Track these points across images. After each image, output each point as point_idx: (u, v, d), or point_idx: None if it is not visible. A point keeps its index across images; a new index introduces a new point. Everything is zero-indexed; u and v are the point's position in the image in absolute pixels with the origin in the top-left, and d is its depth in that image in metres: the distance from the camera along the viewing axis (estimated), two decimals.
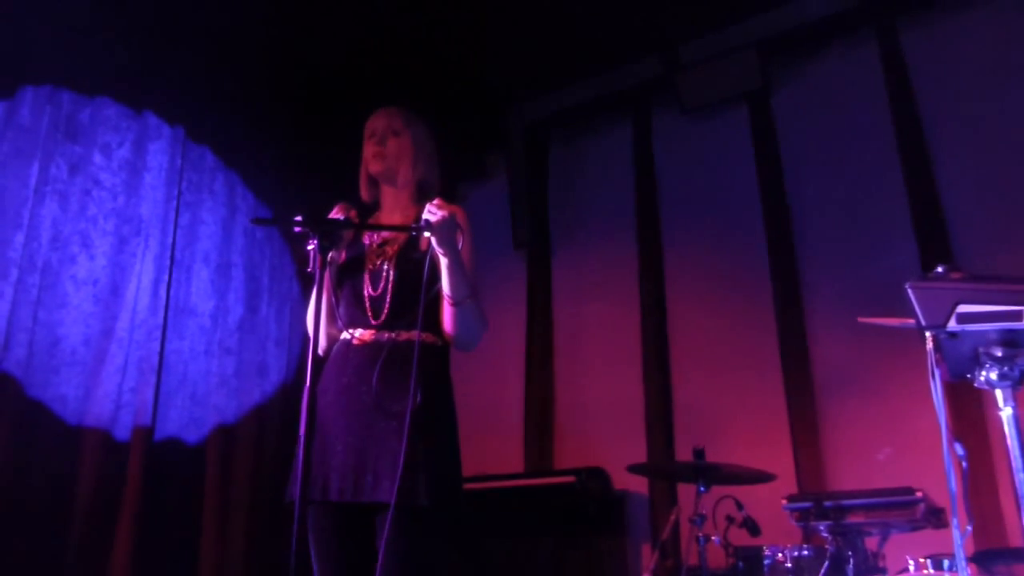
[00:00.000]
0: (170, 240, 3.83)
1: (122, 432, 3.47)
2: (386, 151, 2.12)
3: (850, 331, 3.69)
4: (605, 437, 4.22)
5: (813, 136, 4.11)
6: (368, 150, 2.15)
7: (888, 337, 3.52)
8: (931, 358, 1.31)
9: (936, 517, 2.53)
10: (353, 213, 2.01)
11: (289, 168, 4.48)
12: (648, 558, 3.94)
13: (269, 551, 3.88)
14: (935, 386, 1.28)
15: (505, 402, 4.58)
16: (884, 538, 2.60)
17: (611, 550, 3.94)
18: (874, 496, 2.51)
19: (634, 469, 3.17)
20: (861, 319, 1.77)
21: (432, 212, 1.83)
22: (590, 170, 4.84)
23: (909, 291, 1.29)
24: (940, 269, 1.28)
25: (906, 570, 2.22)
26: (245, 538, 3.79)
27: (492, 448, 4.26)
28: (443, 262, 1.89)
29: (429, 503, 1.77)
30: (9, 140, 3.31)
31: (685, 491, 3.85)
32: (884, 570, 2.59)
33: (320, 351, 2.05)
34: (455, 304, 1.92)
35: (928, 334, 1.28)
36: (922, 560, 2.20)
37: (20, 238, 3.25)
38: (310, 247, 1.71)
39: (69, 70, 3.57)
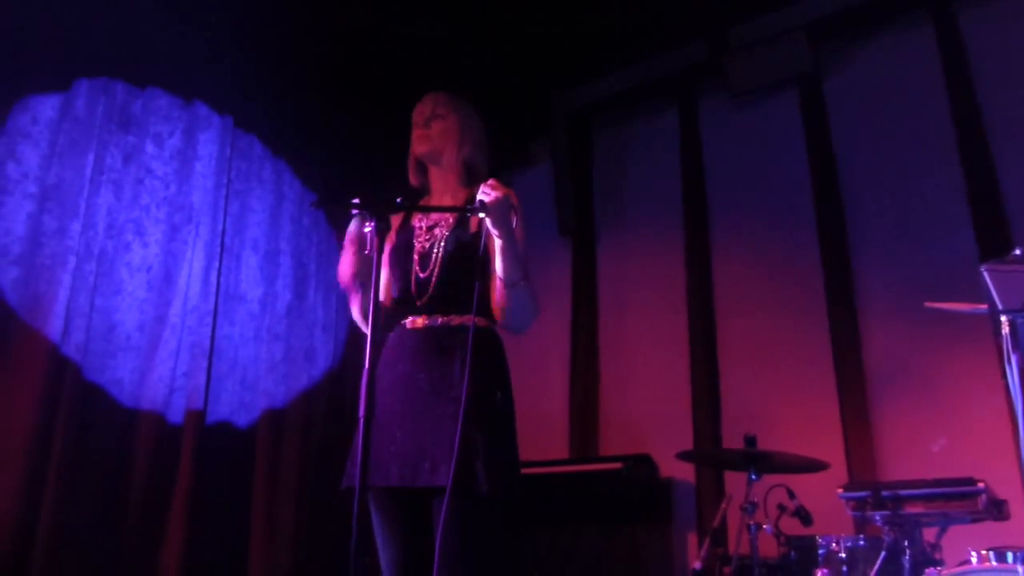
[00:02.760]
0: (220, 228, 3.89)
1: (175, 415, 3.54)
2: (431, 133, 2.12)
3: (904, 319, 3.61)
4: (651, 424, 4.20)
5: (866, 121, 4.01)
6: (415, 133, 2.16)
7: (943, 326, 3.43)
8: (1007, 343, 1.26)
9: (998, 509, 2.46)
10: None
11: (336, 156, 4.52)
12: (694, 546, 3.91)
13: (318, 531, 3.94)
14: (1012, 372, 1.23)
15: (550, 388, 4.58)
16: (943, 530, 2.54)
17: (656, 537, 3.92)
18: (934, 486, 2.45)
19: (684, 456, 3.14)
20: (928, 304, 1.71)
21: (487, 192, 1.80)
22: (636, 156, 4.79)
23: (985, 273, 1.25)
24: (1019, 251, 1.24)
25: (967, 562, 2.16)
26: (294, 518, 3.86)
27: (537, 434, 4.25)
28: (497, 244, 1.87)
29: (487, 489, 1.77)
30: (66, 131, 3.37)
31: (732, 479, 3.82)
32: (941, 562, 2.53)
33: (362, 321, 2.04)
34: (509, 286, 1.91)
35: (1004, 318, 1.24)
36: (984, 552, 2.14)
37: (77, 226, 3.32)
38: (367, 229, 1.70)
39: (121, 62, 3.63)
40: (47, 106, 3.33)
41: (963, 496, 2.42)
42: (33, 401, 3.03)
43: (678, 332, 4.26)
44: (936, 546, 2.56)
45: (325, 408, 4.21)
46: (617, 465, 3.76)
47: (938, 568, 2.09)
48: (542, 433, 4.36)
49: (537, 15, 4.13)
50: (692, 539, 3.94)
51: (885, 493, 2.47)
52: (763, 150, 4.30)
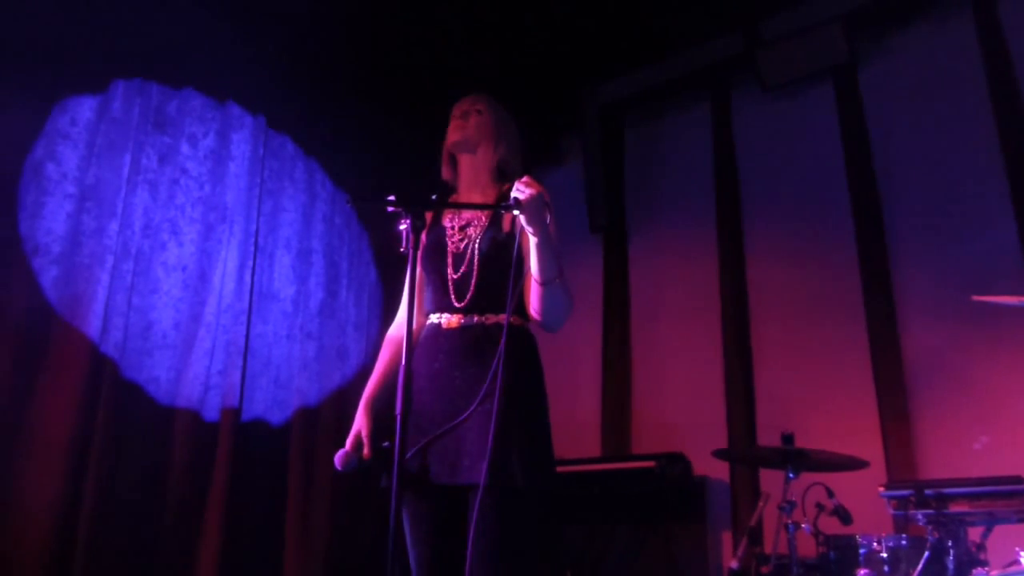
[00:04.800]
0: (254, 227, 3.91)
1: (211, 413, 3.57)
2: (467, 124, 2.14)
3: (944, 314, 3.54)
4: (684, 422, 4.16)
5: (904, 112, 3.93)
6: (450, 125, 2.17)
7: (984, 320, 3.37)
8: None
9: None
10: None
11: (367, 155, 4.53)
12: (728, 545, 3.87)
13: (352, 529, 3.96)
14: None
15: (582, 386, 4.56)
16: (988, 529, 2.48)
17: (690, 536, 3.89)
18: (979, 485, 2.40)
19: (719, 454, 3.10)
20: (976, 297, 1.67)
21: (521, 190, 1.78)
22: (667, 152, 4.75)
23: None
24: None
25: (1016, 563, 2.10)
26: (328, 515, 3.88)
27: (569, 432, 4.23)
28: (532, 241, 1.86)
29: (524, 484, 1.76)
30: (103, 132, 3.42)
31: (767, 478, 3.76)
32: (987, 563, 2.47)
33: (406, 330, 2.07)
34: (543, 284, 1.89)
35: None
36: None
37: (115, 226, 3.36)
38: (402, 227, 1.70)
39: (156, 63, 3.67)
40: (85, 107, 3.38)
41: (1010, 495, 2.36)
42: (73, 399, 3.07)
43: (711, 328, 4.21)
44: (981, 546, 2.50)
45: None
46: (650, 463, 3.73)
47: (985, 568, 2.03)
48: (574, 431, 4.35)
49: (567, 9, 4.10)
50: (727, 538, 3.90)
51: (928, 492, 2.41)
52: (797, 143, 4.24)
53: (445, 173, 2.20)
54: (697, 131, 4.61)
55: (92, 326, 3.19)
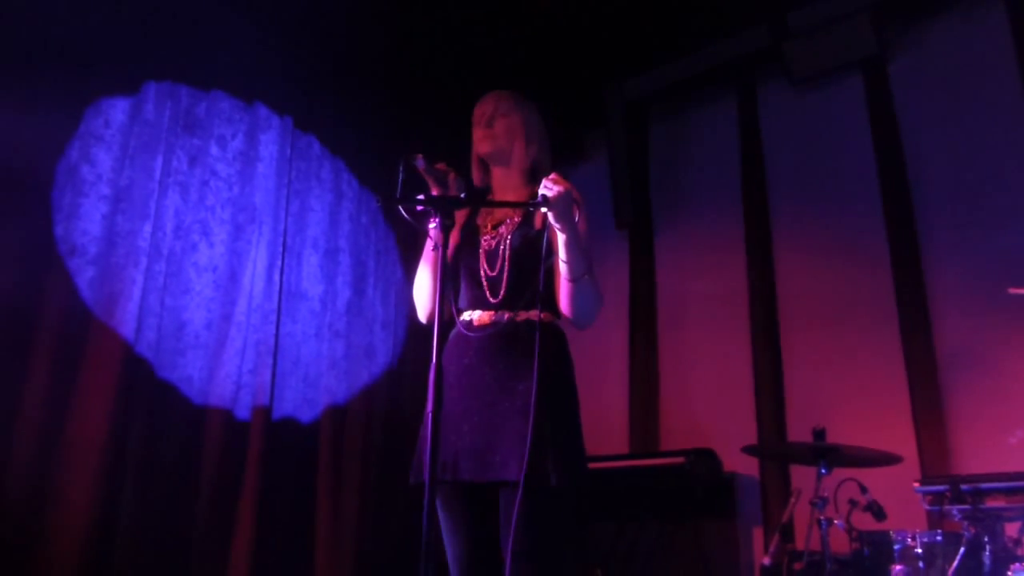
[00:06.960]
0: (282, 227, 3.95)
1: (242, 411, 3.61)
2: (495, 132, 2.11)
3: (977, 306, 3.50)
4: (712, 418, 4.14)
5: (934, 104, 3.88)
6: (477, 133, 2.14)
7: (1020, 312, 3.30)
8: None
9: None
10: (443, 165, 1.97)
11: (393, 155, 4.54)
12: (759, 542, 3.85)
13: (382, 526, 3.99)
14: None
15: (609, 382, 4.55)
16: None
17: (720, 533, 3.87)
18: (1016, 479, 2.36)
19: (750, 450, 3.08)
20: (1013, 290, 1.65)
21: (549, 187, 1.79)
22: (693, 146, 4.72)
23: None
24: None
25: None
26: (358, 512, 3.91)
27: (597, 429, 4.21)
28: (560, 238, 1.86)
29: (556, 481, 1.76)
30: (136, 135, 3.45)
31: (797, 473, 3.74)
32: (1023, 558, 2.43)
33: (424, 319, 2.10)
34: (573, 280, 1.90)
35: None
36: None
37: (148, 228, 3.39)
38: (432, 225, 1.71)
39: (186, 66, 3.71)
40: (118, 109, 3.41)
41: None
42: (109, 399, 3.10)
43: (739, 322, 4.19)
44: (1018, 541, 2.46)
45: (385, 405, 4.25)
46: (679, 460, 3.71)
47: None
48: (602, 427, 4.34)
49: (591, 5, 4.08)
50: (757, 534, 3.87)
51: (965, 487, 2.38)
52: (826, 137, 4.20)
53: (476, 179, 2.20)
54: (723, 126, 4.58)
55: (127, 326, 3.23)
